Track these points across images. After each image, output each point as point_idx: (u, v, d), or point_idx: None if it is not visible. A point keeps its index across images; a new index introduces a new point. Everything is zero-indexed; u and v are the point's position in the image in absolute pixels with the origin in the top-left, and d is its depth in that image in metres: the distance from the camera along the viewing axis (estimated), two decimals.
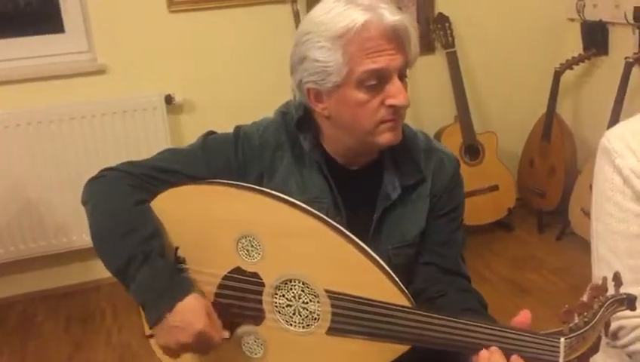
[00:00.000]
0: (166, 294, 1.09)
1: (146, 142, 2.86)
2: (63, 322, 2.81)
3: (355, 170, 1.25)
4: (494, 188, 3.22)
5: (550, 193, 3.29)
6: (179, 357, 1.14)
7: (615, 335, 1.22)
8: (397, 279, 1.06)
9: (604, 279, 1.01)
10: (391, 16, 1.08)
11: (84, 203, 1.21)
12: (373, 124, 1.13)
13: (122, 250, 1.12)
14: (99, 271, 3.07)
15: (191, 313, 1.07)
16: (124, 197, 1.17)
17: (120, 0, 2.79)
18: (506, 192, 3.26)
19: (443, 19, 3.11)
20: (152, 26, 2.85)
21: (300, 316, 1.11)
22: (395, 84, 1.11)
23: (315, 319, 1.09)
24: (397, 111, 1.13)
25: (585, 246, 2.97)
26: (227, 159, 1.23)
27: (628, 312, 1.15)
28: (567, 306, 0.99)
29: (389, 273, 1.05)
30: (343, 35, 1.07)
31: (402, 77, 1.13)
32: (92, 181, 1.23)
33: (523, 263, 3.06)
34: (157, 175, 1.21)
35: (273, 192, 1.12)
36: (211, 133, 1.29)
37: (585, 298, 1.00)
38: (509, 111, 3.42)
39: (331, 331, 1.08)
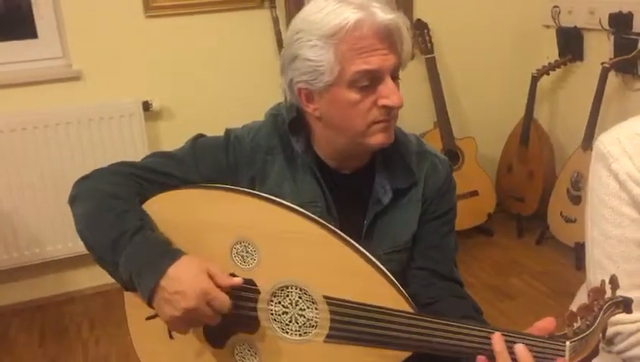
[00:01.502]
0: (158, 259, 1.03)
1: (123, 150, 2.79)
2: (37, 336, 2.72)
3: (347, 174, 1.23)
4: (474, 193, 3.23)
5: (529, 198, 3.31)
6: (193, 328, 1.07)
7: (611, 341, 1.21)
8: (398, 284, 1.03)
9: (603, 282, 1.00)
10: (384, 15, 1.06)
11: (73, 199, 1.17)
12: (365, 125, 1.11)
13: (115, 226, 1.07)
14: (74, 282, 3.01)
15: (188, 274, 1.00)
16: (116, 190, 1.13)
17: (95, 5, 2.73)
18: (485, 197, 3.28)
19: (422, 25, 3.11)
20: (128, 31, 2.80)
21: (297, 324, 1.07)
22: (387, 85, 1.08)
23: (313, 326, 1.06)
24: (390, 112, 1.11)
25: (564, 250, 3.04)
26: (218, 163, 1.19)
27: (624, 318, 1.15)
28: (570, 310, 0.98)
29: (390, 278, 1.03)
30: (335, 34, 1.05)
31: (395, 77, 1.11)
32: (82, 179, 1.19)
33: (504, 268, 3.07)
34: (147, 175, 1.17)
35: (269, 196, 1.09)
36: (201, 135, 1.25)
37: (587, 301, 1.00)
38: (487, 117, 3.44)
39: (329, 339, 1.05)
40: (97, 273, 2.78)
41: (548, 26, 3.38)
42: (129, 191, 1.15)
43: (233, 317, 1.08)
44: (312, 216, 1.07)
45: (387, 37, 1.07)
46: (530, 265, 3.08)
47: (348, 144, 1.16)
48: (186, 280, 0.99)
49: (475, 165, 3.25)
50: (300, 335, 1.07)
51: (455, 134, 3.21)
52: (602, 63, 2.84)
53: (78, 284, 3.02)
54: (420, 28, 3.11)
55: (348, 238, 1.05)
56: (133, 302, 1.17)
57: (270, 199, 1.09)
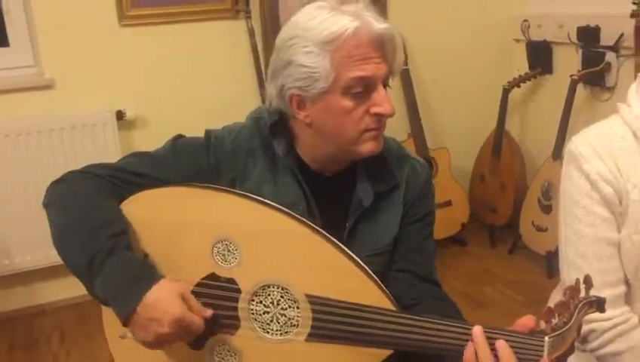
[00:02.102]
0: (134, 285, 1.02)
1: (96, 159, 2.64)
2: (6, 349, 2.65)
3: (329, 176, 1.23)
4: (448, 203, 3.26)
5: (501, 208, 3.35)
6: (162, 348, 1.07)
7: (585, 339, 1.24)
8: (380, 282, 1.04)
9: (577, 280, 1.02)
10: (378, 24, 1.08)
11: (47, 204, 1.15)
12: (357, 132, 1.12)
13: (88, 246, 1.05)
14: (44, 294, 2.94)
15: (163, 301, 1.00)
16: (90, 196, 1.12)
17: (69, 13, 2.71)
18: (459, 208, 3.31)
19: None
20: (102, 39, 2.78)
21: (278, 323, 1.07)
22: (380, 93, 1.10)
23: (294, 326, 1.06)
24: (381, 120, 1.12)
25: (536, 259, 3.09)
26: (198, 163, 1.19)
27: (598, 316, 1.17)
28: (548, 307, 0.99)
29: (372, 276, 1.03)
30: (333, 41, 1.06)
31: (385, 86, 1.12)
32: (56, 183, 1.17)
33: (478, 277, 3.10)
34: (125, 177, 1.16)
35: (250, 194, 1.09)
36: (180, 136, 1.25)
37: (563, 298, 1.01)
38: (460, 128, 3.49)
39: (311, 337, 1.05)
40: (68, 285, 2.79)
41: (518, 40, 3.45)
42: (104, 196, 1.13)
43: (213, 317, 1.08)
44: (294, 214, 1.06)
45: (381, 46, 1.09)
46: (503, 274, 3.11)
47: (336, 151, 1.17)
48: (161, 307, 1.00)
49: (448, 176, 3.28)
50: (281, 334, 1.07)
51: (429, 145, 3.25)
52: (571, 75, 2.91)
53: (49, 296, 2.95)
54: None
55: (330, 237, 1.05)
56: (109, 316, 1.15)
57: (251, 197, 1.08)
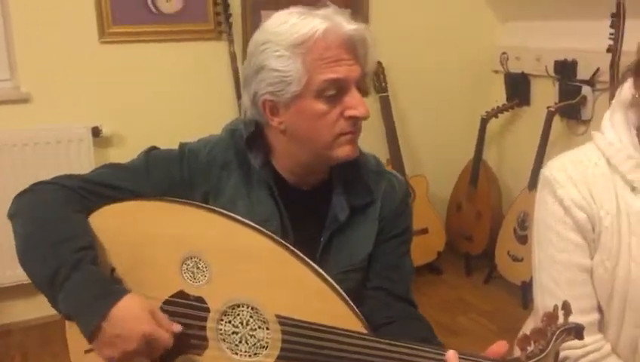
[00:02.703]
0: (99, 300, 0.99)
1: None
2: None
3: (305, 190, 1.22)
4: (424, 231, 3.26)
5: (477, 237, 3.36)
6: None
7: None
8: (352, 304, 1.01)
9: (555, 307, 1.01)
10: (349, 25, 1.07)
11: (12, 216, 1.11)
12: (332, 136, 1.10)
13: (52, 259, 1.02)
14: (9, 314, 2.86)
15: (129, 317, 0.97)
16: (58, 207, 1.08)
17: (49, 27, 2.69)
18: (435, 235, 3.31)
19: (377, 65, 3.18)
20: (81, 55, 2.76)
21: (247, 344, 1.04)
22: (354, 96, 1.09)
23: (263, 347, 1.03)
24: (356, 123, 1.11)
25: (511, 288, 3.08)
26: (171, 176, 1.16)
27: (572, 343, 1.16)
28: (523, 333, 0.98)
29: (344, 297, 1.01)
30: (303, 43, 1.05)
31: (360, 88, 1.11)
32: (23, 193, 1.14)
33: (452, 306, 3.08)
34: (96, 189, 1.13)
35: (222, 210, 1.07)
36: (154, 148, 1.23)
37: (540, 325, 1.00)
38: (438, 156, 3.51)
39: (280, 360, 1.02)
40: (35, 304, 2.71)
41: (497, 71, 3.50)
42: (72, 208, 1.10)
43: (181, 336, 1.04)
44: (267, 231, 1.04)
45: (352, 47, 1.08)
46: (478, 303, 3.10)
47: (312, 157, 1.15)
48: (126, 323, 0.98)
49: (426, 203, 3.28)
50: (250, 356, 1.04)
51: (407, 172, 3.26)
52: (548, 107, 2.95)
53: (14, 316, 2.87)
54: (375, 67, 3.18)
55: (303, 256, 1.03)
56: (73, 330, 1.11)
57: (223, 213, 1.06)
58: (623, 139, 1.18)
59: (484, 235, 3.31)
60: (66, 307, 1.01)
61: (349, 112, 1.09)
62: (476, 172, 3.33)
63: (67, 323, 1.13)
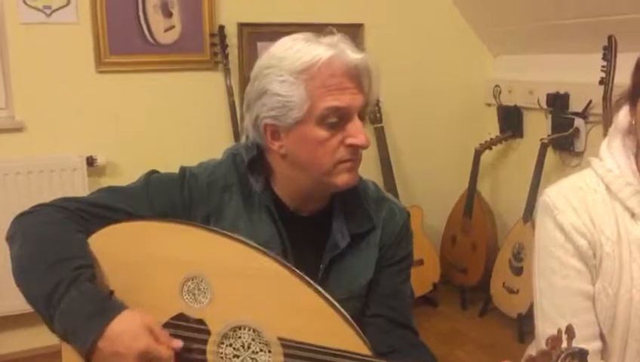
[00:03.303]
0: (96, 317, 0.96)
1: None
2: None
3: (305, 216, 1.21)
4: (420, 262, 3.24)
5: (472, 269, 3.34)
6: None
7: None
8: (357, 327, 1.00)
9: (559, 330, 1.00)
10: (353, 54, 1.08)
11: (11, 237, 1.10)
12: (332, 164, 1.10)
13: (49, 277, 1.00)
14: (4, 344, 2.79)
15: (127, 334, 0.95)
16: (57, 228, 1.07)
17: (45, 56, 2.69)
18: (430, 267, 3.29)
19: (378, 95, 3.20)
20: (77, 85, 2.76)
21: None
22: (355, 124, 1.09)
23: None
24: (356, 152, 1.11)
25: (507, 321, 3.06)
26: (172, 199, 1.16)
27: None
28: (529, 354, 0.97)
29: (348, 319, 1.00)
30: (307, 70, 1.06)
31: (362, 117, 1.11)
32: (22, 215, 1.12)
33: (448, 339, 3.05)
34: (95, 211, 1.12)
35: (225, 232, 1.05)
36: (154, 171, 1.22)
37: (545, 348, 0.99)
38: (432, 188, 3.51)
39: None
40: (22, 337, 2.65)
41: (490, 104, 3.54)
42: (71, 229, 1.09)
43: (181, 360, 1.02)
44: (270, 253, 1.03)
45: (356, 76, 1.09)
46: (474, 336, 3.07)
47: (312, 184, 1.14)
48: (124, 341, 0.95)
49: (420, 234, 3.27)
50: None
51: (402, 202, 3.24)
52: (541, 139, 2.97)
53: (2, 348, 2.80)
54: (377, 97, 3.20)
55: (306, 277, 1.02)
56: (69, 353, 1.08)
57: (225, 234, 1.05)
58: (621, 165, 1.19)
59: (479, 267, 3.29)
60: (62, 326, 0.99)
61: (350, 140, 1.09)
62: (470, 203, 3.33)
63: (63, 345, 1.10)
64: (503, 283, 3.09)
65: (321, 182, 1.13)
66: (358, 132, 1.09)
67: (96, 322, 0.96)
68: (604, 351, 1.20)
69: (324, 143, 1.09)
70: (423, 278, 3.26)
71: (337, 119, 1.08)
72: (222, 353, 1.02)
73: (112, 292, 1.06)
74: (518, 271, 3.02)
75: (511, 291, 3.05)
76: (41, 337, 2.63)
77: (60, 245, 1.05)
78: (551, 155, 3.07)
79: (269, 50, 1.13)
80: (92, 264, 1.05)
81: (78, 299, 0.98)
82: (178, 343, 1.01)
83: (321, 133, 1.08)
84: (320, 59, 1.06)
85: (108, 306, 1.00)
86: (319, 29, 1.14)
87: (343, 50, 1.08)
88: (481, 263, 3.28)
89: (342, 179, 1.12)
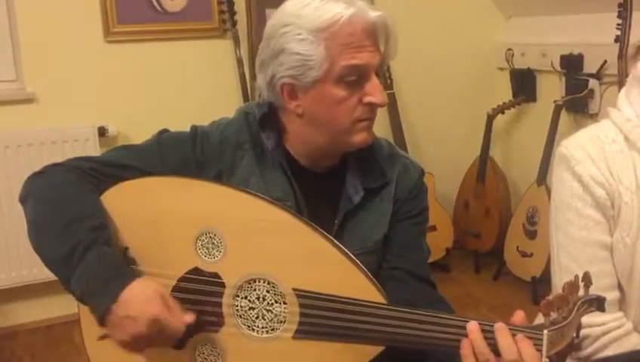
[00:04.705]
0: (112, 282, 0.97)
1: None
2: None
3: (318, 172, 1.20)
4: (432, 228, 3.23)
5: (485, 234, 3.33)
6: (142, 352, 1.01)
7: (579, 346, 1.20)
8: (372, 276, 1.00)
9: (576, 277, 0.99)
10: (372, 12, 1.07)
11: (24, 198, 1.10)
12: (349, 122, 1.10)
13: (66, 238, 1.01)
14: (16, 316, 2.84)
15: (139, 299, 0.96)
16: (70, 188, 1.07)
17: (54, 27, 2.69)
18: (443, 233, 3.28)
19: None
20: (87, 55, 2.76)
21: (264, 320, 1.02)
22: (373, 83, 1.08)
23: (281, 322, 1.01)
24: (374, 110, 1.11)
25: (521, 285, 3.06)
26: (184, 156, 1.15)
27: (592, 320, 1.15)
28: (546, 298, 0.96)
29: (363, 269, 0.99)
30: (327, 28, 1.04)
31: (378, 75, 1.10)
32: (35, 175, 1.13)
33: (462, 303, 3.05)
34: (108, 170, 1.12)
35: (237, 187, 1.05)
36: (165, 130, 1.22)
37: (562, 292, 0.98)
38: (445, 154, 3.49)
39: (299, 334, 1.00)
40: (41, 306, 2.69)
41: (502, 68, 3.49)
42: (85, 188, 1.09)
43: (196, 314, 1.02)
44: (283, 205, 1.03)
45: (374, 34, 1.07)
46: (488, 300, 3.08)
47: (327, 142, 1.14)
48: (137, 306, 0.96)
49: (433, 201, 3.26)
50: (267, 332, 1.02)
51: None
52: (555, 101, 2.93)
53: (21, 319, 2.85)
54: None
55: (320, 229, 1.01)
56: (87, 317, 1.09)
57: (238, 188, 1.05)
58: None
59: (492, 232, 3.28)
60: (79, 288, 1.00)
61: (368, 99, 1.09)
62: (483, 169, 3.31)
63: (81, 309, 1.11)
64: (517, 247, 3.08)
65: (338, 141, 1.13)
66: (376, 90, 1.08)
67: (112, 287, 0.97)
68: (621, 302, 1.20)
69: (343, 102, 1.08)
70: (436, 244, 3.25)
71: (356, 77, 1.07)
72: (237, 306, 1.03)
73: (126, 249, 1.07)
74: (532, 235, 3.01)
75: (525, 255, 3.04)
76: (60, 306, 2.70)
77: (74, 205, 1.05)
78: (565, 118, 3.03)
79: (281, 7, 1.11)
80: (106, 223, 1.06)
81: (95, 262, 0.99)
82: (191, 317, 1.01)
83: (340, 92, 1.07)
84: (341, 17, 1.04)
85: (124, 271, 1.01)
86: None
87: (361, 7, 1.06)
88: (494, 228, 3.27)
89: (359, 138, 1.12)
